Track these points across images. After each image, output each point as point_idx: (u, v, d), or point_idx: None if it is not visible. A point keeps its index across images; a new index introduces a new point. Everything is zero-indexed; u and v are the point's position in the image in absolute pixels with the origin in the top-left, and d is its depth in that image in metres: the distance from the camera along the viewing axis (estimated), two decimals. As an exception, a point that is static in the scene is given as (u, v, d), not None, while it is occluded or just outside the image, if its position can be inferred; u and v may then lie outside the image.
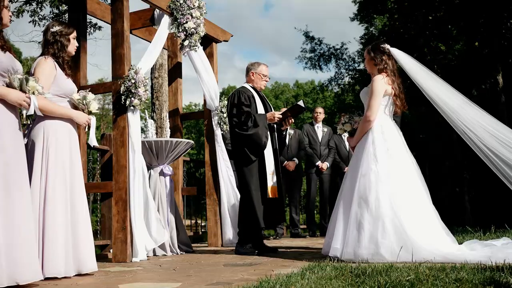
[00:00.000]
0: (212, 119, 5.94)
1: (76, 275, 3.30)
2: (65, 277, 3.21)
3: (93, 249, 3.50)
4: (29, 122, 3.36)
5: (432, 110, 4.28)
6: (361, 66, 20.62)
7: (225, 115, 5.84)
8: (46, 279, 3.12)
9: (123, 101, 4.46)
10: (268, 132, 4.71)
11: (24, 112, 3.00)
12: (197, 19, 5.28)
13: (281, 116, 4.78)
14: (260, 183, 4.63)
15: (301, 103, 4.75)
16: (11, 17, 3.09)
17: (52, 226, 3.22)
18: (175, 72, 6.23)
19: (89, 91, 3.68)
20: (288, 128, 5.25)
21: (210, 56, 6.06)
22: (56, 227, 3.23)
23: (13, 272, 2.71)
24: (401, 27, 15.82)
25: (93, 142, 3.72)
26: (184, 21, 5.21)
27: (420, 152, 15.52)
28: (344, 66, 21.83)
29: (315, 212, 8.80)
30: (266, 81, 5.03)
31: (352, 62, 21.76)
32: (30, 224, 2.91)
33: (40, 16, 11.14)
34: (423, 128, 17.25)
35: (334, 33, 41.27)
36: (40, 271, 2.91)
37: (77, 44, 3.76)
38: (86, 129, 3.72)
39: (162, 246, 4.88)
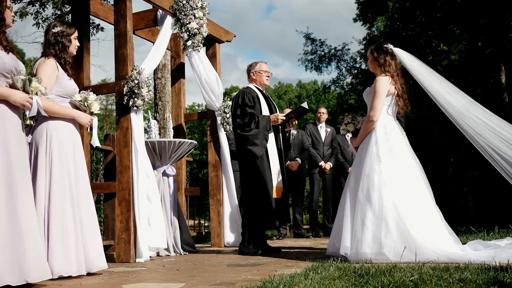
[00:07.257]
0: (216, 120, 5.94)
1: (83, 275, 3.31)
2: (70, 277, 3.21)
3: (101, 248, 3.51)
4: (32, 123, 3.36)
5: (435, 110, 4.26)
6: (363, 66, 20.55)
7: (228, 115, 5.82)
8: (54, 279, 3.12)
9: (126, 101, 4.46)
10: (269, 135, 4.70)
11: (27, 112, 3.00)
12: (200, 19, 5.28)
13: (284, 118, 4.77)
14: (264, 183, 4.63)
15: (305, 104, 4.75)
16: (13, 17, 3.09)
17: (58, 226, 3.22)
18: (178, 72, 6.23)
19: (90, 91, 3.69)
20: (292, 129, 5.25)
21: (213, 56, 6.07)
22: (62, 227, 3.23)
23: (23, 271, 2.72)
24: (402, 27, 15.79)
25: (96, 142, 3.72)
26: (187, 22, 5.21)
27: (423, 152, 15.47)
28: (346, 68, 21.74)
29: (318, 212, 8.78)
30: (268, 76, 4.98)
31: (354, 62, 21.68)
32: (35, 223, 2.91)
33: (43, 17, 11.16)
34: (426, 128, 17.20)
35: (337, 35, 41.33)
36: (48, 270, 2.92)
37: (78, 44, 3.75)
38: (89, 130, 3.72)
39: (165, 246, 4.89)
